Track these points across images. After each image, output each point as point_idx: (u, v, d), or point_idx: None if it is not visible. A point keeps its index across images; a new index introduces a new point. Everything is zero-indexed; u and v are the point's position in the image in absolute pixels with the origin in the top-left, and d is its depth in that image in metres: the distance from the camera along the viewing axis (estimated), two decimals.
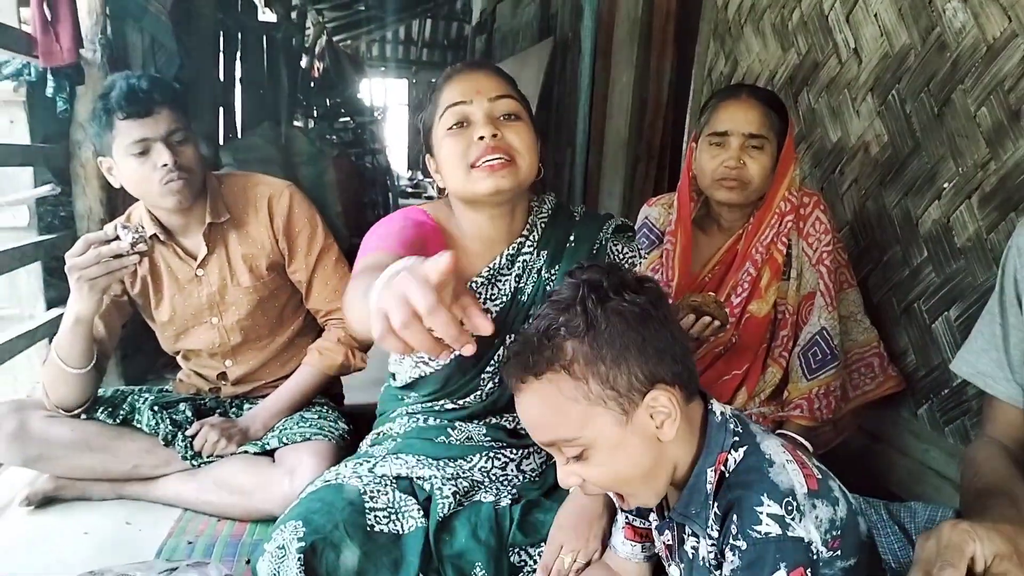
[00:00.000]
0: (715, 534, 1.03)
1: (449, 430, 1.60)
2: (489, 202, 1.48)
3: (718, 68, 3.18)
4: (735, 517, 0.99)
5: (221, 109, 6.18)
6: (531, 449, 1.60)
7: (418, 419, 1.64)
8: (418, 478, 1.49)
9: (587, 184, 5.10)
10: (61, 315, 2.53)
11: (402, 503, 1.42)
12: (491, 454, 1.57)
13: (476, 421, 1.61)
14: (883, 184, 2.18)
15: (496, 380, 1.58)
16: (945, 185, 1.96)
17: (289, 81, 8.32)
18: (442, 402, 1.63)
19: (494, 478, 1.54)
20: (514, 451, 1.58)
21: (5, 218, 2.53)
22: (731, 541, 0.98)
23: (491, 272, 1.55)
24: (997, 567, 0.88)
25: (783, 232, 1.87)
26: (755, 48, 2.89)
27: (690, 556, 1.11)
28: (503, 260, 1.55)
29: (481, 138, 1.40)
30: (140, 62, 3.02)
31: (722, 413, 1.09)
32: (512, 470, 1.56)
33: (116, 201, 2.74)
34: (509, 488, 1.51)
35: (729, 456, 1.04)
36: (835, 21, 2.42)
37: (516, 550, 1.41)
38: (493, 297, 1.56)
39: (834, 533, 0.98)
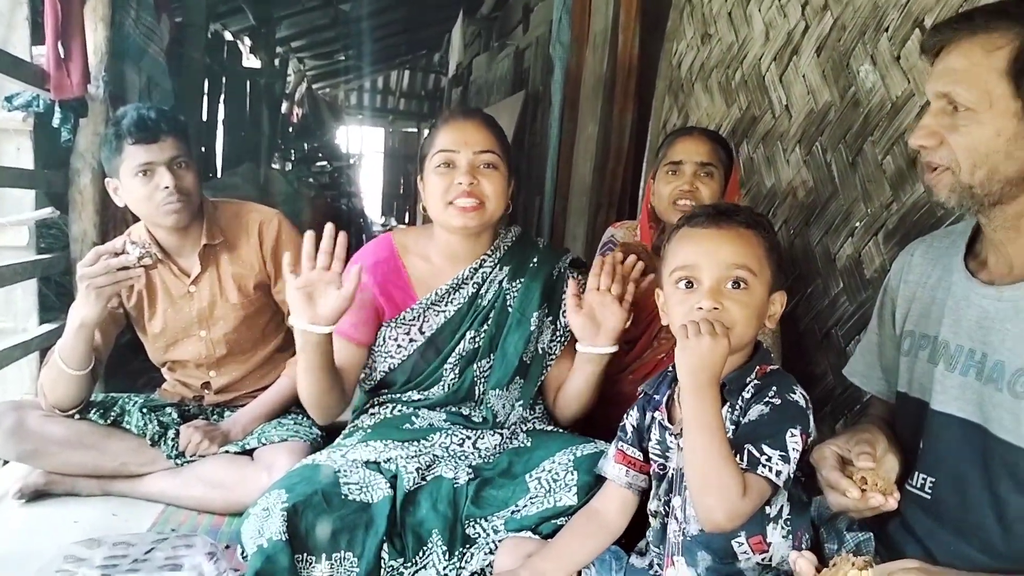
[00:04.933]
0: (748, 395, 1.34)
1: (413, 418, 1.84)
2: (459, 233, 1.81)
3: (672, 121, 3.47)
4: (775, 386, 1.32)
5: (203, 148, 6.40)
6: (486, 432, 1.83)
7: (387, 408, 1.88)
8: (385, 460, 1.70)
9: (554, 227, 5.37)
10: (52, 329, 2.73)
11: (372, 479, 1.62)
12: (450, 432, 1.80)
13: (438, 409, 1.85)
14: (808, 224, 2.45)
15: (457, 371, 1.85)
16: (857, 224, 2.23)
17: (269, 125, 8.60)
18: (409, 393, 1.88)
19: (452, 453, 1.76)
20: (471, 431, 1.83)
21: (7, 237, 2.71)
22: (767, 398, 1.31)
23: (455, 282, 1.86)
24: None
25: None
26: (704, 103, 3.19)
27: None
28: (467, 272, 1.86)
29: (460, 183, 1.72)
30: (137, 98, 3.25)
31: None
32: (469, 447, 1.78)
33: (108, 226, 2.94)
34: (466, 465, 1.72)
35: (768, 368, 1.39)
36: (771, 81, 2.72)
37: (471, 522, 1.61)
38: (454, 300, 1.86)
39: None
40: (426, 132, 1.97)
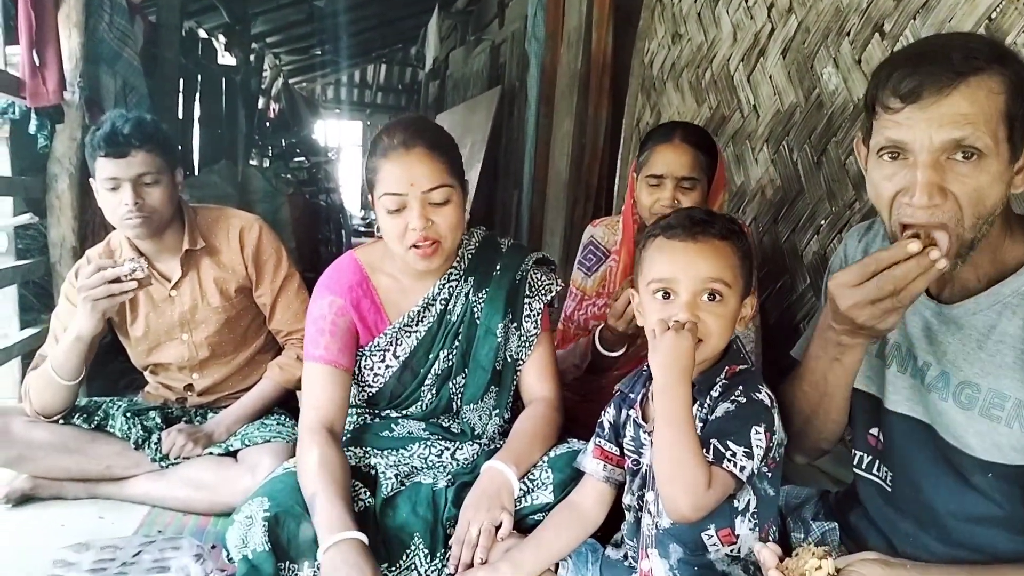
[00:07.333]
0: (716, 394, 1.39)
1: (392, 426, 1.87)
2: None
3: (644, 118, 3.53)
4: (742, 386, 1.37)
5: (179, 147, 6.39)
6: (464, 443, 1.86)
7: (365, 417, 1.91)
8: (365, 465, 1.75)
9: (532, 221, 5.42)
10: (34, 334, 2.75)
11: (352, 485, 1.66)
12: (429, 443, 1.83)
13: (416, 420, 1.87)
14: (776, 222, 2.52)
15: (434, 391, 1.85)
16: (822, 222, 2.30)
17: (246, 121, 8.57)
18: (388, 412, 1.90)
19: (431, 464, 1.80)
20: (449, 442, 1.85)
21: None
22: (733, 397, 1.36)
23: (425, 301, 1.82)
24: None
25: None
26: (675, 102, 3.25)
27: None
28: (435, 289, 1.82)
29: (414, 229, 1.63)
30: (113, 102, 3.25)
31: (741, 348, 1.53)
32: (447, 457, 1.81)
33: (87, 230, 2.95)
34: (444, 473, 1.77)
35: (738, 367, 1.42)
36: (739, 81, 2.78)
37: (451, 523, 1.65)
38: (425, 320, 1.83)
39: (779, 451, 1.38)
40: None
